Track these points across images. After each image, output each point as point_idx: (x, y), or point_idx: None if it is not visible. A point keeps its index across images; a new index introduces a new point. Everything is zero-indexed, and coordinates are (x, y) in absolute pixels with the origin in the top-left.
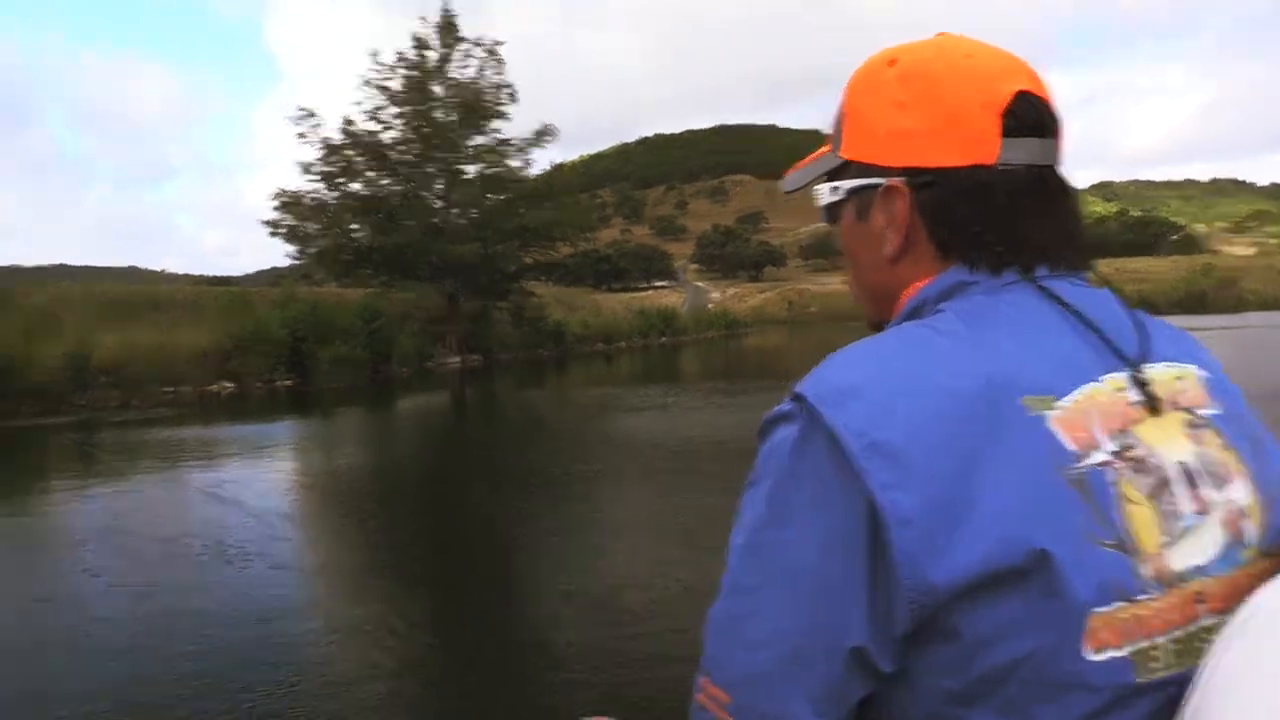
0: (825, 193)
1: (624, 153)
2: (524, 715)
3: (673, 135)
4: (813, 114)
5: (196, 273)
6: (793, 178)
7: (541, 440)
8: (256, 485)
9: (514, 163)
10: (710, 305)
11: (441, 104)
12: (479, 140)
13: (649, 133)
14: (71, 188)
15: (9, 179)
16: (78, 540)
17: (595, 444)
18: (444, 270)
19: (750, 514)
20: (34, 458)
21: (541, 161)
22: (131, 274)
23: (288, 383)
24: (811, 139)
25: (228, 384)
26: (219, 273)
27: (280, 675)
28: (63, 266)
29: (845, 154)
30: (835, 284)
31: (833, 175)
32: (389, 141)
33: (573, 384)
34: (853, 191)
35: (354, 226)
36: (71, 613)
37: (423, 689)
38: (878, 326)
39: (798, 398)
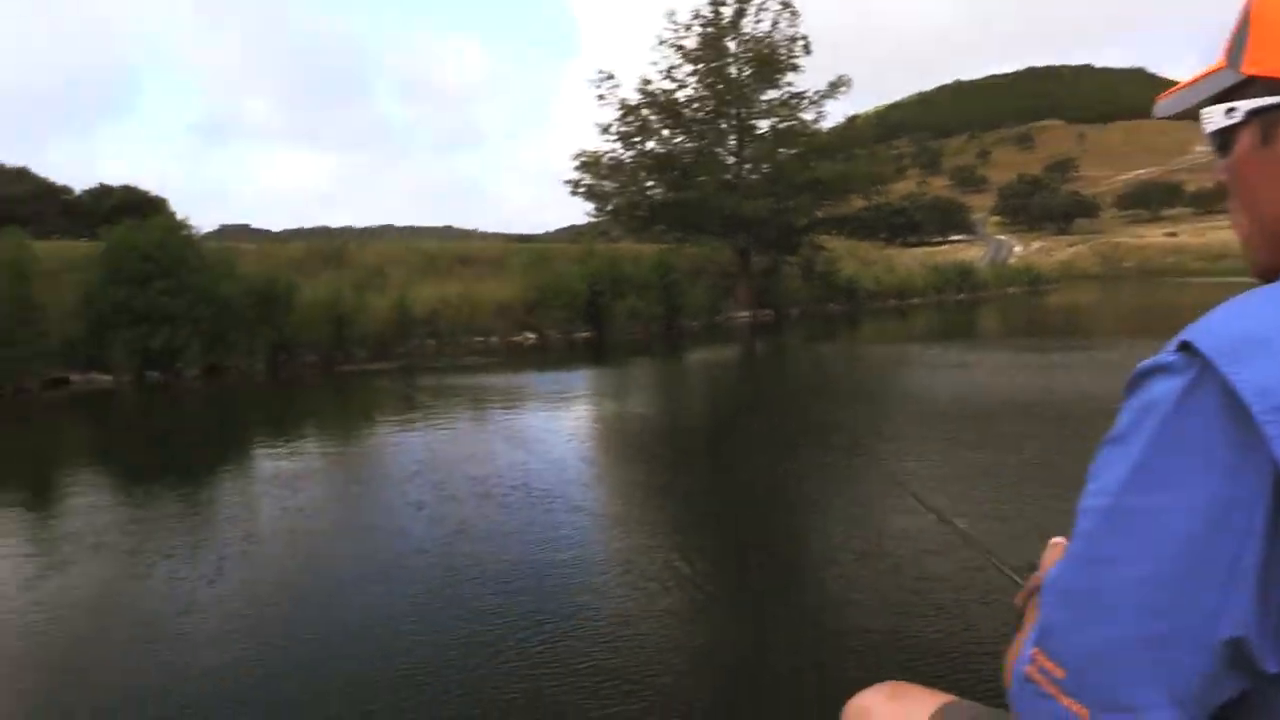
0: (1217, 116)
1: (922, 101)
2: (813, 671)
3: (975, 81)
4: (1135, 51)
5: (504, 230)
6: (1167, 103)
7: (832, 396)
8: (556, 430)
9: (807, 116)
10: (1012, 259)
11: (735, 60)
12: (772, 95)
13: (949, 79)
14: (396, 154)
15: (344, 148)
16: (402, 476)
17: (889, 401)
18: (735, 225)
19: (1114, 475)
20: (365, 399)
21: (835, 114)
22: (447, 232)
23: (585, 334)
24: (1134, 79)
25: (530, 335)
26: (524, 230)
27: (573, 611)
28: (389, 227)
29: (1250, 69)
30: (1155, 236)
31: (1227, 95)
32: (683, 100)
33: (865, 339)
34: (1256, 112)
35: (649, 184)
36: (398, 543)
37: (709, 636)
38: (1269, 276)
39: (1186, 347)
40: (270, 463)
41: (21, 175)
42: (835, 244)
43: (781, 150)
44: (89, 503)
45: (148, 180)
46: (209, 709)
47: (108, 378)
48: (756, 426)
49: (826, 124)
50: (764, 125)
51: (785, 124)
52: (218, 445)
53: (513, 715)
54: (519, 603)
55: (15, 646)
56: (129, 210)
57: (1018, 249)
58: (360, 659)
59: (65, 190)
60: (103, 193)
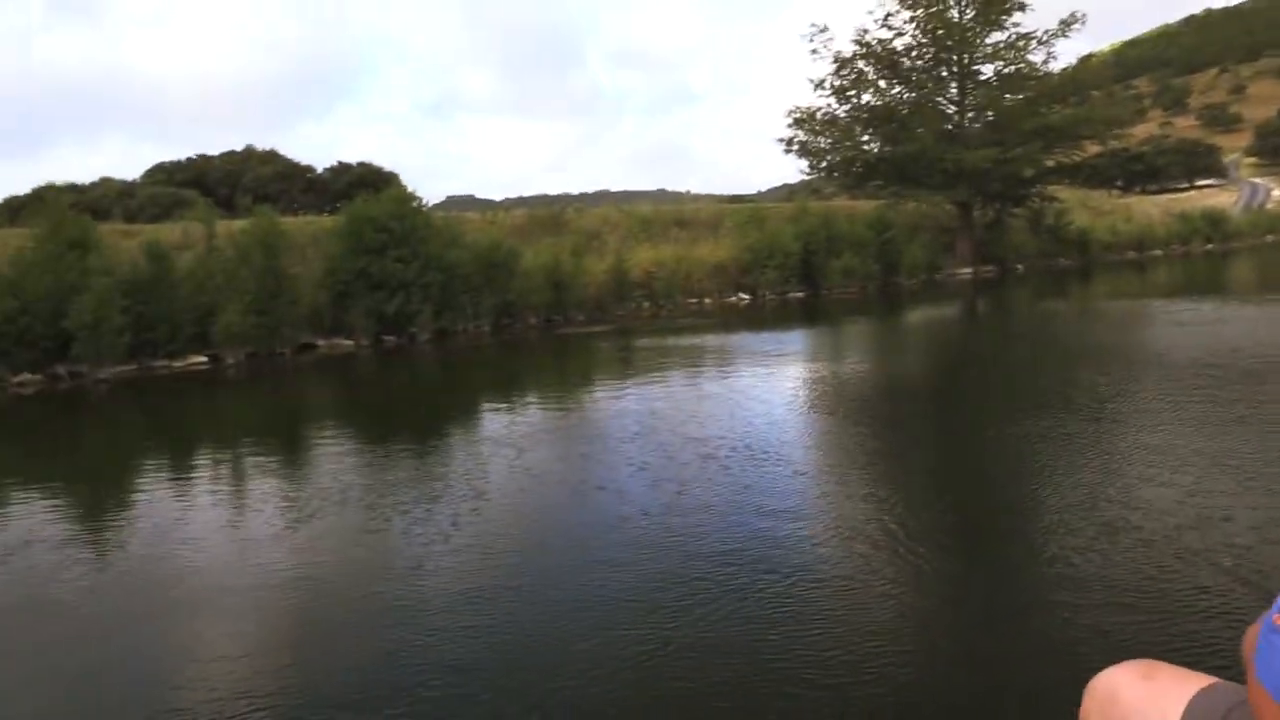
0: None
1: (1165, 35)
2: (1052, 649)
3: (1229, 8)
4: None
5: (715, 192)
6: None
7: (1063, 356)
8: (774, 391)
9: (1035, 58)
10: (1270, 205)
11: (957, 2)
12: (997, 37)
13: (1197, 8)
14: (610, 121)
15: (561, 117)
16: (623, 437)
17: (1128, 361)
18: (956, 178)
19: None
20: (585, 360)
21: (1067, 54)
22: (660, 195)
23: (799, 294)
24: None
25: (744, 296)
26: (735, 190)
27: (793, 581)
28: (604, 192)
29: None
30: None
31: None
32: (901, 48)
33: (1100, 295)
34: None
35: (864, 138)
36: (621, 505)
37: (937, 611)
38: None
39: None
40: (497, 422)
41: (271, 157)
42: (1066, 194)
43: (1008, 96)
44: (334, 457)
45: (381, 156)
46: (431, 674)
47: (349, 343)
48: (983, 388)
49: (1057, 65)
50: (988, 70)
51: (1012, 68)
52: (448, 405)
53: (733, 687)
54: (739, 571)
55: (264, 598)
56: (365, 185)
57: (1277, 193)
58: (582, 628)
59: (308, 169)
60: (341, 170)
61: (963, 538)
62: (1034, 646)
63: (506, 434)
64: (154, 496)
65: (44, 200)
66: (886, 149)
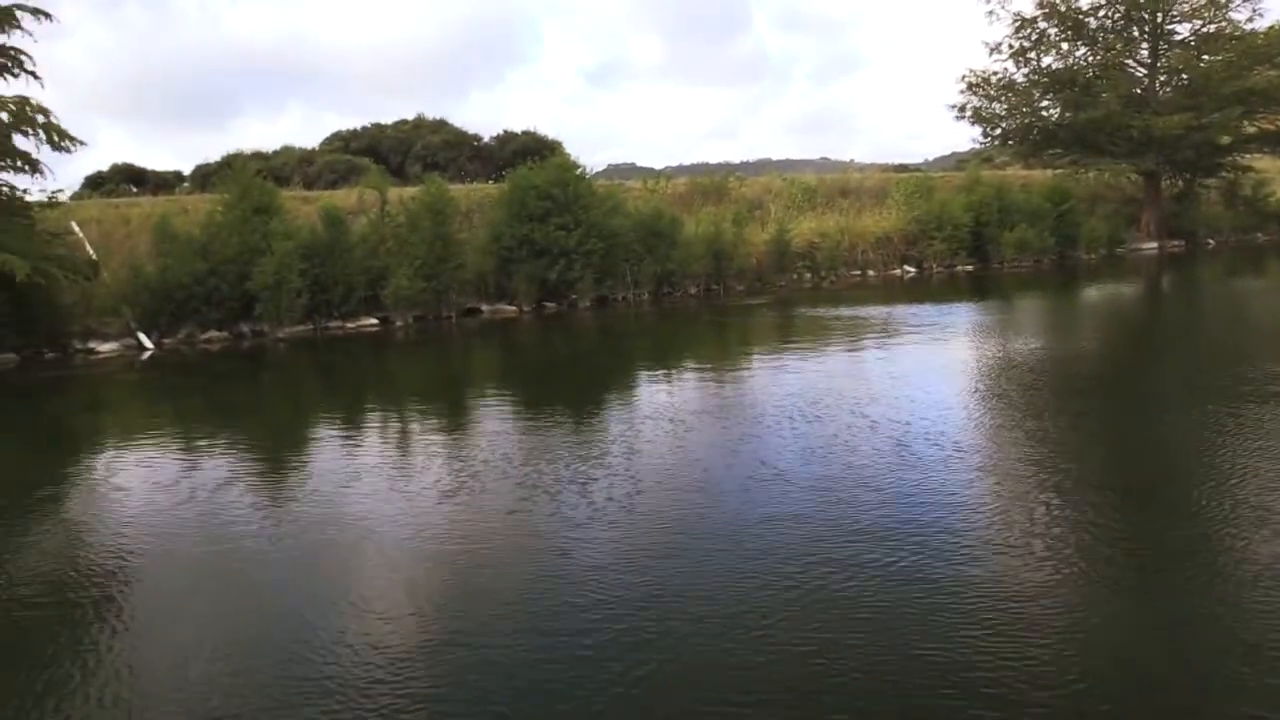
0: None
1: None
2: (1242, 655)
3: None
4: None
5: (879, 161)
6: None
7: (1261, 340)
8: (933, 367)
9: (1239, 16)
10: None
11: None
12: None
13: None
14: (774, 88)
15: (725, 84)
16: (782, 412)
17: None
18: (1144, 146)
19: None
20: (743, 330)
21: (1275, 12)
22: (822, 164)
23: (968, 267)
24: None
25: (909, 268)
26: (902, 159)
27: (951, 575)
28: (766, 160)
29: None
30: None
31: None
32: (1087, 7)
33: None
34: None
35: (1043, 104)
36: (777, 482)
37: (1109, 617)
38: None
39: None
40: (656, 393)
41: (440, 126)
42: (1265, 164)
43: (1205, 57)
44: (496, 420)
45: (545, 124)
46: (570, 643)
47: (511, 308)
48: (1171, 374)
49: (1263, 24)
50: (1184, 30)
51: (1211, 26)
52: (608, 372)
53: (882, 688)
54: (893, 561)
55: (420, 565)
56: (529, 153)
57: None
58: (723, 620)
59: (475, 138)
60: (506, 138)
61: (1137, 536)
62: (1219, 651)
63: (665, 407)
64: (331, 453)
65: (233, 167)
66: (1067, 115)
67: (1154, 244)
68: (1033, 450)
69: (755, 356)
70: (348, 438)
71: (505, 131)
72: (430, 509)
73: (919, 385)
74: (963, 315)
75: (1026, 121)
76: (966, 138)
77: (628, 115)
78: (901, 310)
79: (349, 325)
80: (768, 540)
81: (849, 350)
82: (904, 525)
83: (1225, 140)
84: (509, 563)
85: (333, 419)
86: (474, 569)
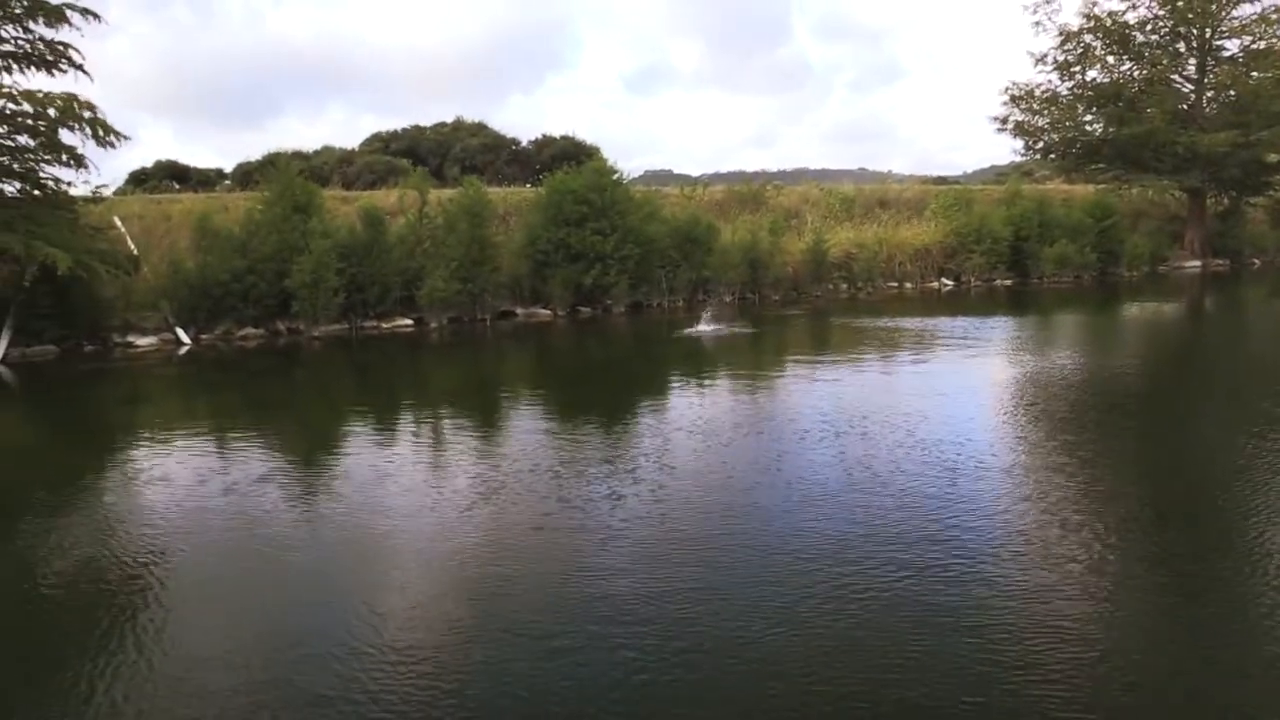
0: None
1: None
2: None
3: None
4: None
5: (917, 172)
6: None
7: None
8: (974, 383)
9: None
10: None
11: None
12: (1246, 9)
13: None
14: (813, 96)
15: (763, 92)
16: (815, 425)
17: None
18: (1188, 162)
19: None
20: (779, 339)
21: None
22: (860, 175)
23: (1007, 282)
24: None
25: (947, 281)
26: (941, 171)
27: (974, 605)
28: (803, 170)
29: None
30: None
31: None
32: (1134, 21)
33: None
34: None
35: (1087, 118)
36: (811, 500)
37: (1169, 640)
38: None
39: None
40: (689, 402)
41: (479, 129)
42: None
43: (1255, 74)
44: (528, 426)
45: (583, 129)
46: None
47: (546, 312)
48: (1214, 391)
49: None
50: (1232, 46)
51: (1262, 43)
52: (640, 379)
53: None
54: (905, 589)
55: (443, 573)
56: (567, 157)
57: None
58: (762, 630)
59: (514, 141)
60: (545, 142)
61: (1179, 561)
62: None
63: (699, 419)
64: (361, 453)
65: (276, 165)
66: (1111, 130)
67: (1197, 262)
68: (1079, 472)
69: (792, 367)
70: (379, 438)
71: (544, 135)
72: (457, 518)
73: (960, 401)
74: (1002, 329)
75: (1069, 135)
76: (1007, 150)
77: (666, 122)
78: (940, 323)
79: (384, 325)
80: (803, 564)
81: (888, 363)
82: (945, 550)
83: (1273, 158)
84: (533, 583)
85: (365, 419)
86: (498, 588)
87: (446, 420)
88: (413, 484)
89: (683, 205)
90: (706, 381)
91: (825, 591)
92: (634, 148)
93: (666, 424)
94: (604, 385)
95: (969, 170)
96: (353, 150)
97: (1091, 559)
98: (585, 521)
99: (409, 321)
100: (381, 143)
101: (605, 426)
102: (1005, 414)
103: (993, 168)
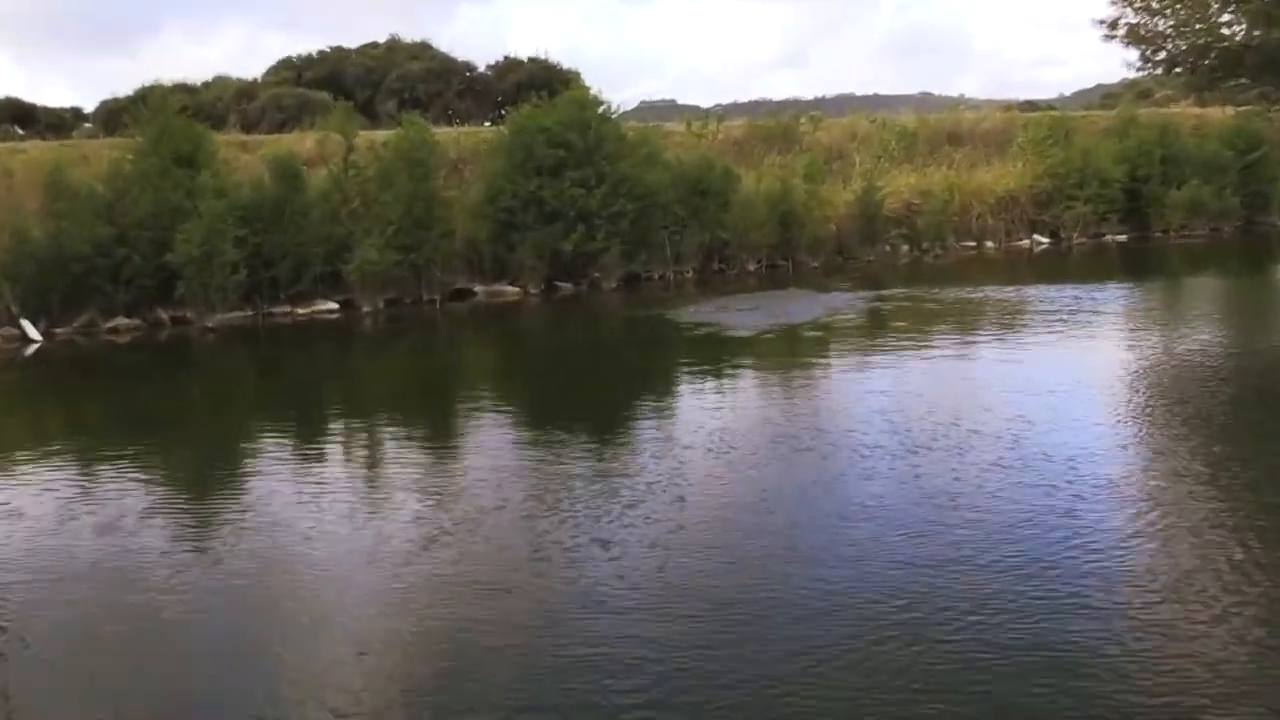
0: None
1: None
2: None
3: None
4: None
5: (1002, 96)
6: None
7: None
8: (1080, 374)
9: None
10: None
11: None
12: None
13: None
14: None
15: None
16: (865, 428)
17: None
18: None
19: None
20: (822, 320)
21: None
22: (923, 101)
23: (1120, 237)
24: None
25: (1041, 238)
26: (1029, 94)
27: (1078, 643)
28: (848, 96)
29: None
30: None
31: None
32: None
33: None
34: None
35: (1224, 18)
36: (866, 523)
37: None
38: None
39: None
40: (704, 408)
41: (421, 51)
42: None
43: None
44: (490, 447)
45: (558, 49)
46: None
47: (513, 289)
48: None
49: None
50: None
51: None
52: (638, 377)
53: None
54: (988, 626)
55: (376, 660)
56: (537, 87)
57: None
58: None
59: (467, 66)
60: (507, 67)
61: None
62: None
63: (717, 431)
64: (268, 487)
65: (149, 103)
66: (1256, 33)
67: None
68: (1218, 495)
69: (836, 358)
70: (294, 465)
71: (506, 59)
72: (396, 576)
73: (1072, 401)
74: (1120, 302)
75: (1201, 42)
76: (1117, 64)
77: (667, 39)
78: (1036, 294)
79: (300, 311)
80: (865, 641)
81: (969, 351)
82: (1004, 582)
83: None
84: (497, 676)
85: (275, 438)
86: (450, 684)
87: (384, 439)
88: (339, 527)
89: (691, 146)
90: (727, 380)
91: (899, 687)
92: (626, 73)
93: (677, 441)
94: (592, 388)
95: (1066, 92)
96: (255, 81)
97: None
98: (568, 581)
99: (333, 306)
100: (293, 71)
101: (594, 446)
102: (1133, 417)
103: (1098, 88)
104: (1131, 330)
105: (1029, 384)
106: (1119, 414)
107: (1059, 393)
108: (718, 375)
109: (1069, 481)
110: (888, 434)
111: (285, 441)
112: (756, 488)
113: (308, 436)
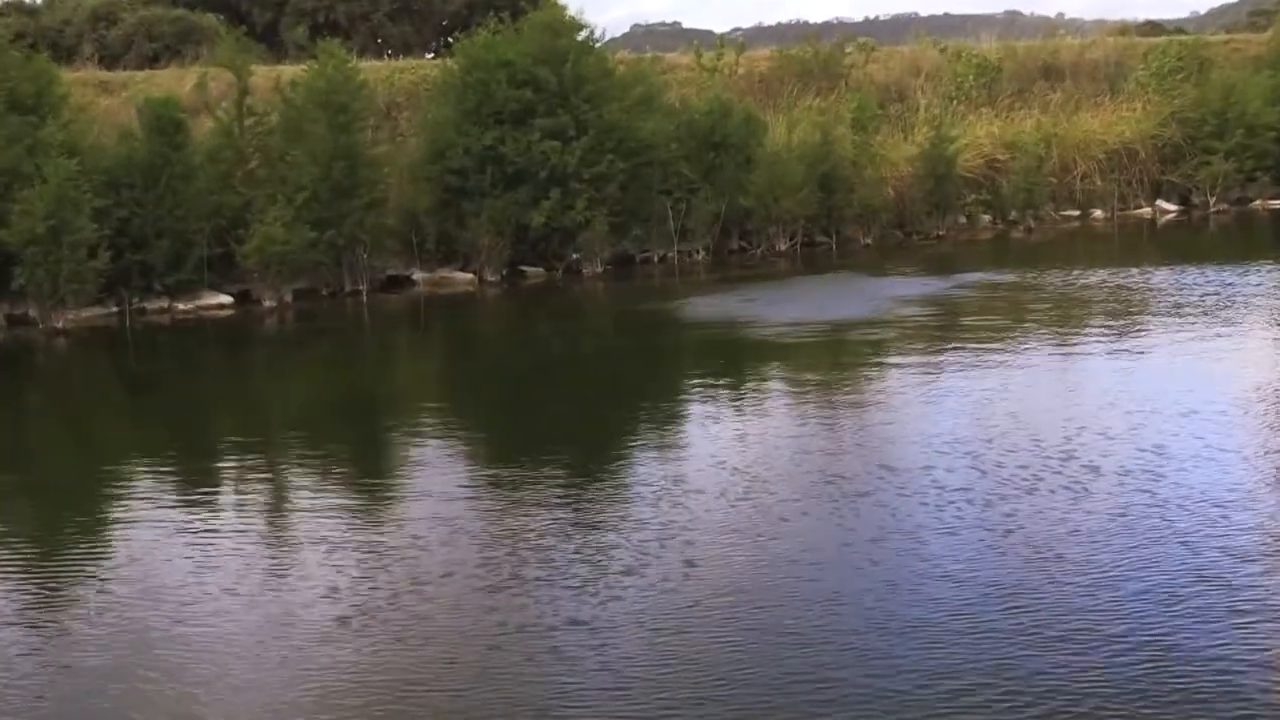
0: None
1: None
2: None
3: None
4: None
5: (1113, 15)
6: None
7: None
8: (1206, 381)
9: None
10: None
11: None
12: None
13: None
14: None
15: None
16: (926, 463)
17: None
18: None
19: None
20: (872, 319)
21: None
22: (1008, 23)
23: (1274, 203)
24: None
25: (1168, 206)
26: (1151, 13)
27: None
28: (909, 17)
29: None
30: None
31: None
32: None
33: None
34: None
35: None
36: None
37: None
38: None
39: None
40: (719, 435)
41: None
42: None
43: None
44: (434, 478)
45: None
46: None
47: (465, 276)
48: None
49: None
50: None
51: None
52: (632, 394)
53: None
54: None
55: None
56: (494, 5)
57: None
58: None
59: None
60: None
61: None
62: None
63: (736, 464)
64: (145, 536)
65: None
66: None
67: None
68: None
69: (898, 369)
70: (165, 517)
71: None
72: (296, 674)
73: (1206, 424)
74: (1271, 291)
75: None
76: None
77: None
78: (1160, 280)
79: (182, 307)
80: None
81: (1069, 356)
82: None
83: None
84: None
85: (143, 481)
86: None
87: (289, 482)
88: (227, 601)
89: (702, 85)
90: (752, 400)
91: None
92: None
93: (685, 484)
94: (569, 413)
95: (1199, 10)
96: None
97: None
98: (535, 682)
99: (225, 299)
100: None
101: (573, 492)
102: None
103: (1243, 2)
104: None
105: (1160, 402)
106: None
107: (1203, 415)
108: (739, 394)
109: (1221, 535)
110: (973, 471)
111: (158, 485)
112: (796, 545)
113: (188, 479)
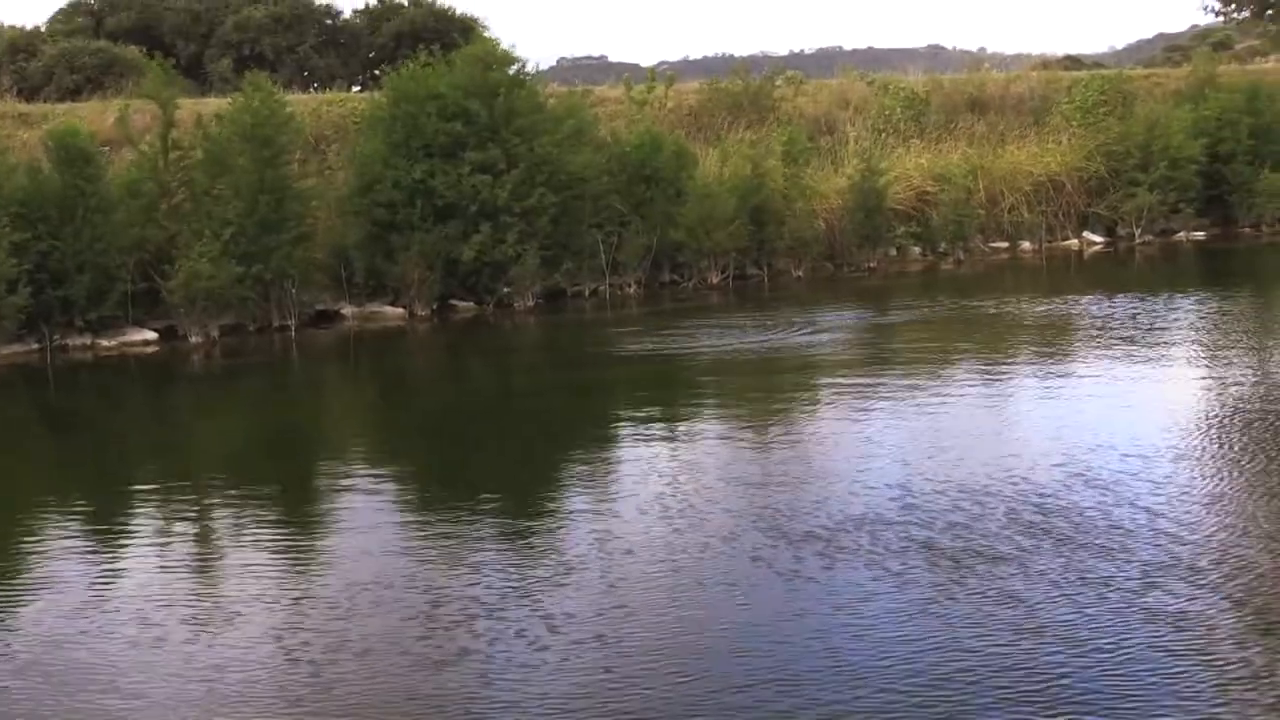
0: None
1: None
2: None
3: None
4: None
5: (1036, 50)
6: None
7: None
8: (1136, 410)
9: None
10: None
11: None
12: None
13: None
14: None
15: None
16: (877, 513)
17: None
18: None
19: None
20: (802, 351)
21: None
22: (935, 57)
23: (1198, 234)
24: None
25: (1094, 237)
26: (1072, 48)
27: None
28: (835, 51)
29: None
30: None
31: None
32: None
33: None
34: None
35: None
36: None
37: None
38: None
39: None
40: (659, 481)
41: None
42: None
43: None
44: (364, 525)
45: None
46: None
47: (396, 310)
48: None
49: None
50: None
51: None
52: (566, 433)
53: None
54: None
55: None
56: (424, 38)
57: None
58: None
59: (328, 11)
60: (382, 13)
61: None
62: None
63: (676, 510)
64: (37, 610)
65: None
66: None
67: None
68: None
69: (827, 394)
70: (79, 568)
71: (382, 1)
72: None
73: (1142, 458)
74: (1196, 321)
75: None
76: (1188, 7)
77: None
78: (1085, 310)
79: (105, 343)
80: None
81: (999, 387)
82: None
83: None
84: None
85: (56, 528)
86: None
87: (214, 531)
88: (147, 658)
89: (631, 118)
90: (685, 443)
91: None
92: (544, 24)
93: (619, 537)
94: (500, 455)
95: (1118, 45)
96: (36, 31)
97: None
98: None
99: (150, 335)
100: (89, 18)
101: (503, 542)
102: (1200, 459)
103: (1159, 38)
104: (1216, 358)
105: (1093, 433)
106: (1185, 453)
107: (1138, 447)
108: (672, 434)
109: (1159, 568)
110: (900, 512)
111: (73, 532)
112: (731, 600)
113: (105, 525)
